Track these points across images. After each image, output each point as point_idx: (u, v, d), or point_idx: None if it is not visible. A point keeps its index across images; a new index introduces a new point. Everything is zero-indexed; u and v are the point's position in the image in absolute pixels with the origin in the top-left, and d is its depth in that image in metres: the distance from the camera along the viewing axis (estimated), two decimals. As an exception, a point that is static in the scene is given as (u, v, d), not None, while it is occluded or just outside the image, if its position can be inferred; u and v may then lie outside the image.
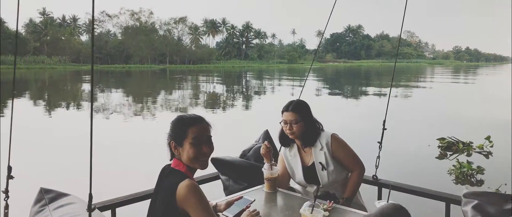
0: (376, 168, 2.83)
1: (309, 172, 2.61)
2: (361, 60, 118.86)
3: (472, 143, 7.93)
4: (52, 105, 16.71)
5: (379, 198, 2.83)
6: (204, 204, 1.64)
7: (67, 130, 10.42)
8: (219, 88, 27.59)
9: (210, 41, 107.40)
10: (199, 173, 2.84)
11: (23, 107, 15.20)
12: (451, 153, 7.66)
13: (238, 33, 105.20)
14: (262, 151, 2.56)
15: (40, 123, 11.83)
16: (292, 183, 2.77)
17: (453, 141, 8.04)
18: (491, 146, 7.74)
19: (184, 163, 1.74)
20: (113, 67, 68.70)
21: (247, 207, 2.01)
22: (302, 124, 2.56)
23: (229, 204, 2.07)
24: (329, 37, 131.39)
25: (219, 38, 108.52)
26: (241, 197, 2.11)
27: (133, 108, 15.67)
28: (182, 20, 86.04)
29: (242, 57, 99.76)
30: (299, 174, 2.65)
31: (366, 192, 2.86)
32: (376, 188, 2.86)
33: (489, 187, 5.51)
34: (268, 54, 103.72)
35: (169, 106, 16.31)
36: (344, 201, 2.44)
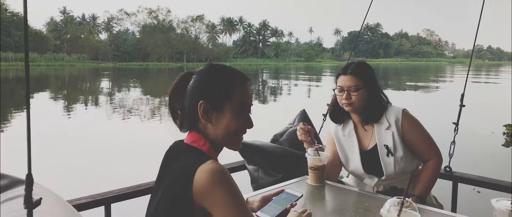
0: (450, 158, 2.18)
1: (369, 158, 1.96)
2: (379, 59, 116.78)
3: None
4: (71, 101, 16.45)
5: (454, 195, 2.18)
6: (237, 199, 1.05)
7: (79, 129, 10.03)
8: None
9: (227, 39, 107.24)
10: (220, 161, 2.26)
11: (39, 106, 14.99)
12: None
13: (255, 32, 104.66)
14: (299, 135, 1.94)
15: (58, 121, 11.49)
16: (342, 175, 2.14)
17: None
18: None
19: (210, 138, 1.16)
20: (132, 64, 69.02)
21: (292, 206, 1.40)
22: (365, 92, 1.92)
23: (265, 201, 1.46)
24: (346, 35, 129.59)
25: (236, 36, 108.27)
26: (282, 191, 1.49)
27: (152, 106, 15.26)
28: (199, 18, 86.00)
29: (259, 55, 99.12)
30: (355, 160, 2.00)
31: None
32: (448, 183, 2.21)
33: None
34: (285, 52, 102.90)
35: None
36: (415, 199, 1.79)
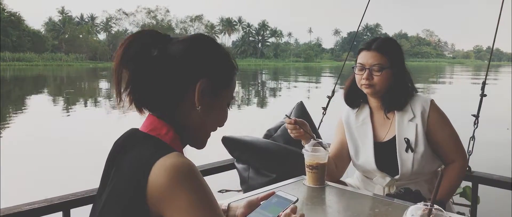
0: (469, 155, 1.90)
1: (384, 152, 1.67)
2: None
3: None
4: (70, 103, 16.16)
5: (474, 197, 1.90)
6: (205, 201, 0.78)
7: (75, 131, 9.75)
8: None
9: (226, 39, 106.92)
10: (203, 160, 1.98)
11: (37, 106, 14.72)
12: None
13: (254, 32, 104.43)
14: (290, 131, 1.59)
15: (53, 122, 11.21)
16: (346, 174, 1.85)
17: None
18: None
19: (179, 126, 0.88)
20: (129, 65, 68.83)
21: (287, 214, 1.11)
22: (390, 74, 1.63)
23: (251, 207, 1.17)
24: (346, 35, 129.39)
25: (235, 36, 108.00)
26: (272, 194, 1.20)
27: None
28: (198, 18, 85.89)
29: (258, 55, 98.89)
30: (366, 152, 1.70)
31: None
32: (466, 184, 1.93)
33: None
34: (284, 52, 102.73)
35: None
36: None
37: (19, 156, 6.63)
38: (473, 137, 1.90)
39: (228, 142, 1.95)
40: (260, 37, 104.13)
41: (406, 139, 1.63)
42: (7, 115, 11.58)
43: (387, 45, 1.66)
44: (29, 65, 52.96)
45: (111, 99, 16.11)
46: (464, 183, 3.39)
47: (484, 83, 1.97)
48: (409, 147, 1.62)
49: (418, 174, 1.63)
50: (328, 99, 2.62)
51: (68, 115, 12.19)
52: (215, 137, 1.08)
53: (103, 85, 27.53)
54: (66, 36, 73.28)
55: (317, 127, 2.31)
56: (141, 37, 0.87)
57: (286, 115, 1.67)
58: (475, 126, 1.93)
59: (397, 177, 1.64)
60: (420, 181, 1.65)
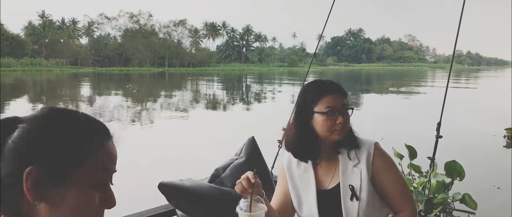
0: (425, 199, 1.76)
1: (327, 201, 1.54)
2: (362, 64, 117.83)
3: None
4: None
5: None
6: None
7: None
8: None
9: (210, 44, 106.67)
10: (139, 206, 1.81)
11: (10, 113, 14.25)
12: None
13: (238, 36, 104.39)
14: (238, 187, 1.38)
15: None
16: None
17: None
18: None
19: None
20: (111, 69, 67.79)
21: None
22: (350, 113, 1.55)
23: None
24: (330, 40, 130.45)
25: (219, 41, 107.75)
26: None
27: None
28: (182, 22, 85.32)
29: (243, 60, 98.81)
30: (309, 202, 1.57)
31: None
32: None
33: None
34: (268, 57, 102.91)
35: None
36: None
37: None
38: (429, 181, 1.77)
39: (165, 188, 1.76)
40: (244, 42, 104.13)
41: (350, 186, 1.50)
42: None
43: (339, 85, 1.56)
44: (7, 71, 51.73)
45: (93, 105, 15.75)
46: (464, 191, 3.52)
47: (439, 124, 1.83)
48: (354, 194, 1.49)
49: None
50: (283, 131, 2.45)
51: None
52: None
53: (85, 91, 27.02)
54: (47, 41, 71.89)
55: (272, 166, 2.16)
56: (2, 123, 0.72)
57: (255, 169, 1.45)
58: (431, 169, 1.79)
59: None
60: None
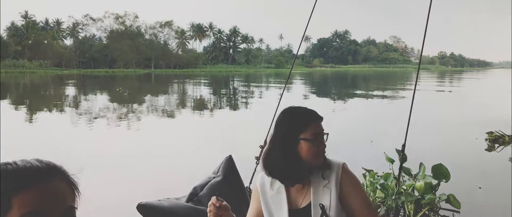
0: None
1: None
2: (348, 65, 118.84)
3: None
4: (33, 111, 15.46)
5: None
6: None
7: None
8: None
9: (197, 45, 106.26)
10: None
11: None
12: (498, 145, 8.18)
13: (225, 38, 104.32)
14: (209, 212, 1.48)
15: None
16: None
17: (499, 134, 8.55)
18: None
19: None
20: (97, 71, 67.03)
21: None
22: None
23: None
24: (316, 42, 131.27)
25: (206, 42, 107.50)
26: None
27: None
28: (168, 24, 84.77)
29: (229, 61, 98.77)
30: None
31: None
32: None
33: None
34: (255, 58, 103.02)
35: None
36: None
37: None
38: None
39: (143, 209, 1.83)
40: (231, 43, 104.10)
41: (321, 205, 1.61)
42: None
43: (317, 112, 1.69)
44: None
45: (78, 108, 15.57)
46: (449, 191, 3.81)
47: (403, 146, 1.94)
48: (324, 213, 1.60)
49: None
50: (261, 148, 2.53)
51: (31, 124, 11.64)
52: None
53: (70, 91, 26.68)
54: (30, 42, 70.68)
55: (249, 182, 2.23)
56: None
57: (217, 194, 1.53)
58: (396, 187, 1.89)
59: None
60: None
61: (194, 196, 2.03)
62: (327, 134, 1.66)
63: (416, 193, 3.81)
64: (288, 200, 1.67)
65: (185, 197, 2.04)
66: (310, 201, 1.63)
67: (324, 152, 1.64)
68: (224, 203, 1.48)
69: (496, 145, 8.27)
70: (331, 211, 1.60)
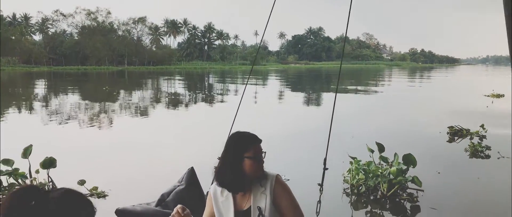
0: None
1: None
2: (322, 62, 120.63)
3: (469, 129, 9.88)
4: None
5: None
6: None
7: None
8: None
9: (171, 41, 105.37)
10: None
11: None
12: (457, 138, 9.59)
13: (200, 34, 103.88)
14: None
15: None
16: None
17: (458, 128, 9.99)
18: (486, 131, 9.63)
19: None
20: (68, 68, 65.55)
21: None
22: None
23: None
24: (291, 39, 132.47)
25: (180, 38, 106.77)
26: None
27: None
28: (142, 20, 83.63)
29: (204, 58, 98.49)
30: None
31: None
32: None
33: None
34: (230, 55, 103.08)
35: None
36: None
37: None
38: (319, 201, 2.36)
39: (121, 213, 2.26)
40: (206, 40, 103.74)
41: (258, 207, 2.12)
42: None
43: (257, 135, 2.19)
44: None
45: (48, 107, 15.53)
46: (413, 173, 5.04)
47: (325, 160, 2.44)
48: (260, 213, 2.12)
49: None
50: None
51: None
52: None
53: (40, 90, 26.27)
54: (-4, 38, 68.33)
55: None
56: (21, 191, 1.09)
57: (180, 206, 1.97)
58: (320, 193, 2.39)
59: None
60: None
61: (162, 201, 2.46)
62: (265, 152, 2.14)
63: (391, 176, 4.99)
64: (234, 204, 2.18)
65: (154, 202, 2.48)
66: (251, 205, 2.14)
67: (263, 167, 2.11)
68: (187, 211, 1.94)
69: (456, 138, 9.64)
70: (266, 212, 2.11)
